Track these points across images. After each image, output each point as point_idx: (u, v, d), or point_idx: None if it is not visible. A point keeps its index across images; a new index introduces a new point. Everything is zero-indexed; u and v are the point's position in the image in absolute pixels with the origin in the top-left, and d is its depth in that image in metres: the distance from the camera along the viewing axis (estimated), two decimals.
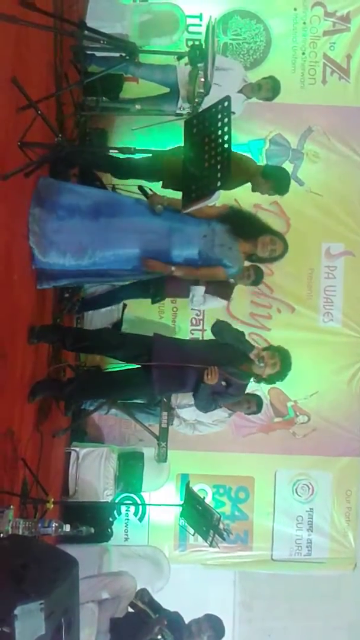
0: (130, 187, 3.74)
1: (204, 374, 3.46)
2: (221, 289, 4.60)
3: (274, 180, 4.01)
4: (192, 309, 5.29)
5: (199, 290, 4.52)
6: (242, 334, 3.75)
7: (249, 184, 4.04)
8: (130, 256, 3.32)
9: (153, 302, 4.73)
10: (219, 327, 3.72)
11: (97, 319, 4.77)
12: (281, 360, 3.59)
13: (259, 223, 3.58)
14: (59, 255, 3.25)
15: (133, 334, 3.92)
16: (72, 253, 3.25)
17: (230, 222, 3.43)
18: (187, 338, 5.29)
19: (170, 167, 3.63)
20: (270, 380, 3.64)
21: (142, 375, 3.54)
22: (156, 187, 3.74)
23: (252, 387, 3.96)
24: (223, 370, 3.49)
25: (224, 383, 3.54)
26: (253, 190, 4.05)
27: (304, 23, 5.53)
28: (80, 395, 3.94)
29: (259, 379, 3.64)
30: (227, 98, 2.80)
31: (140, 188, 3.53)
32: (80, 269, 3.32)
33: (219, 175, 2.75)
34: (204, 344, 3.85)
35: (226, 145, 2.74)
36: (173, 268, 3.35)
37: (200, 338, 5.46)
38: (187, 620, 3.85)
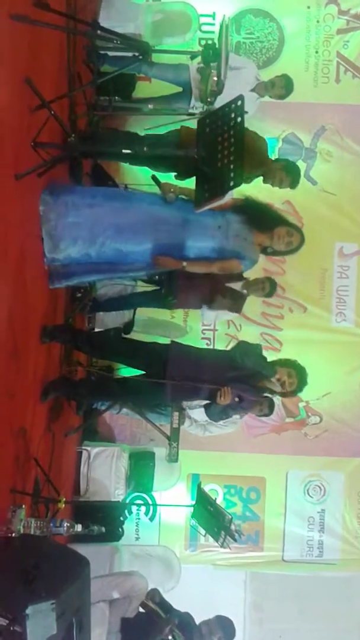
0: (143, 186, 3.73)
1: (216, 393, 3.44)
2: (234, 303, 4.55)
3: (292, 169, 3.86)
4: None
5: (209, 315, 4.47)
6: (264, 358, 3.70)
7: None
8: (143, 249, 3.28)
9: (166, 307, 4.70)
10: (243, 351, 3.68)
11: (109, 319, 4.76)
12: (298, 377, 3.58)
13: (275, 214, 3.51)
14: (70, 244, 3.19)
15: (145, 344, 3.85)
16: (83, 240, 3.19)
17: (245, 213, 3.36)
18: (201, 344, 5.28)
19: (189, 136, 3.51)
20: (285, 395, 3.67)
21: (154, 384, 3.53)
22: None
23: None
24: (238, 386, 3.48)
25: (237, 399, 3.53)
26: (265, 181, 3.87)
27: (317, 21, 5.49)
28: (91, 399, 3.96)
29: (274, 394, 3.66)
30: (240, 97, 2.79)
31: (154, 177, 3.49)
32: (90, 261, 3.27)
33: (232, 174, 2.74)
34: (221, 357, 3.76)
35: (239, 145, 2.72)
36: (184, 264, 3.31)
37: (212, 338, 5.45)
38: (197, 621, 3.84)
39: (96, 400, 4.18)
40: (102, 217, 3.23)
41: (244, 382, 3.53)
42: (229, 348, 4.27)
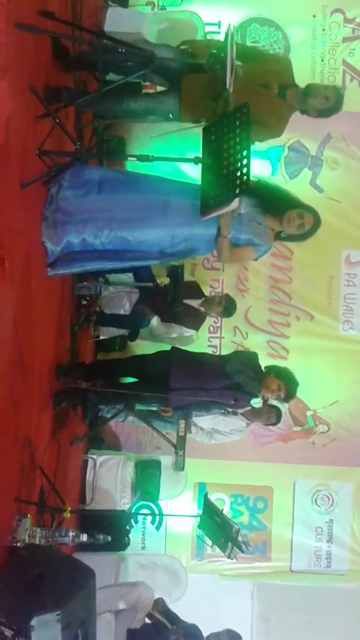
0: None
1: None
2: (192, 319, 4.60)
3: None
4: (209, 317, 5.26)
5: (155, 321, 4.52)
6: (259, 368, 3.85)
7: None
8: (152, 237, 3.20)
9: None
10: (234, 368, 3.82)
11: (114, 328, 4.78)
12: (285, 383, 3.71)
13: (288, 197, 3.37)
14: (76, 235, 3.12)
15: (146, 357, 3.98)
16: (90, 227, 3.12)
17: (257, 196, 3.25)
18: (206, 352, 5.26)
19: (190, 85, 3.42)
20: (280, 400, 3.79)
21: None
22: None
23: None
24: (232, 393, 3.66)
25: (233, 402, 3.68)
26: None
27: (323, 30, 5.50)
28: (100, 404, 4.02)
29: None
30: (246, 105, 2.78)
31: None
32: (95, 249, 3.19)
33: (237, 182, 2.73)
34: (221, 364, 3.92)
35: (245, 152, 2.72)
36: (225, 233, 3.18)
37: (219, 345, 5.43)
38: (204, 632, 3.80)
39: (105, 405, 4.19)
40: (110, 204, 3.16)
41: (237, 388, 3.67)
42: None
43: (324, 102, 3.45)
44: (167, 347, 4.25)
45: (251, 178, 2.70)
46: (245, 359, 3.90)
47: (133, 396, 3.80)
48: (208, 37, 3.62)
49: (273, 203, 3.29)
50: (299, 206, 3.33)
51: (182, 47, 3.52)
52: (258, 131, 3.29)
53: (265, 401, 3.73)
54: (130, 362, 4.19)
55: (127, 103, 3.50)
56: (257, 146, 5.09)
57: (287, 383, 3.74)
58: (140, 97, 3.54)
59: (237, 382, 3.73)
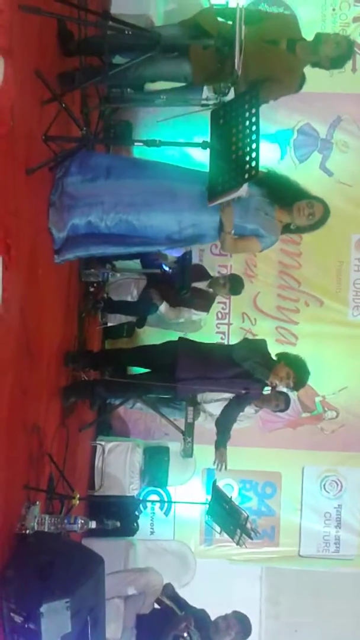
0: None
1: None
2: (201, 301, 4.57)
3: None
4: (217, 303, 5.23)
5: (164, 307, 4.49)
6: (268, 355, 3.81)
7: None
8: (158, 222, 3.16)
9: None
10: (241, 355, 3.77)
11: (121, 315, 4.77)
12: (295, 371, 3.65)
13: (297, 188, 3.30)
14: (81, 217, 3.10)
15: (154, 348, 3.98)
16: (96, 212, 3.09)
17: (266, 186, 3.20)
18: (216, 338, 5.29)
19: (198, 50, 3.36)
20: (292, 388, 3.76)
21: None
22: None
23: None
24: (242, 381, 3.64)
25: (243, 391, 3.64)
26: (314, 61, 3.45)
27: (333, 9, 5.38)
28: (108, 396, 4.07)
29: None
30: (254, 87, 2.74)
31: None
32: (101, 233, 3.16)
33: (246, 167, 2.69)
34: (229, 352, 3.88)
35: (254, 137, 2.67)
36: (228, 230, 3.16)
37: (227, 332, 5.40)
38: (213, 617, 3.82)
39: (113, 397, 4.20)
40: (117, 188, 3.13)
41: (247, 377, 3.64)
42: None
43: (335, 48, 3.38)
44: (175, 336, 4.24)
45: (261, 167, 2.66)
46: (253, 346, 3.87)
47: (141, 387, 3.78)
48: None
49: (282, 194, 3.23)
50: (308, 197, 3.27)
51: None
52: (271, 88, 3.29)
53: (273, 388, 3.68)
54: (138, 353, 4.18)
55: (139, 69, 3.41)
56: (266, 129, 5.04)
57: (297, 372, 3.69)
58: (152, 61, 3.44)
59: (245, 370, 3.69)
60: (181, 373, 3.58)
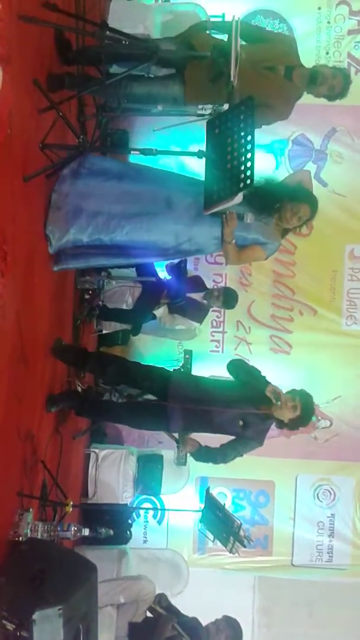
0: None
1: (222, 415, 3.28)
2: (195, 312, 4.61)
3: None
4: (212, 311, 5.25)
5: (163, 310, 4.52)
6: (258, 370, 3.48)
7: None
8: (156, 237, 3.17)
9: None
10: (234, 365, 3.52)
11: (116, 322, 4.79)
12: (302, 404, 3.28)
13: (277, 192, 3.27)
14: (81, 228, 3.10)
15: (148, 371, 3.67)
16: (95, 225, 3.11)
17: (252, 204, 3.16)
18: (210, 346, 5.31)
19: (194, 70, 3.37)
20: (292, 425, 3.36)
21: (159, 410, 3.42)
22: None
23: None
24: (241, 409, 3.31)
25: (241, 423, 3.34)
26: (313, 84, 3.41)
27: (328, 22, 5.46)
28: (95, 418, 3.91)
29: (281, 424, 3.37)
30: (250, 98, 2.76)
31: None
32: (101, 245, 3.17)
33: (242, 177, 2.71)
34: (222, 384, 3.55)
35: (249, 146, 2.70)
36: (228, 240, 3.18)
37: (221, 340, 5.42)
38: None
39: (99, 420, 4.12)
40: (115, 201, 3.14)
41: (247, 404, 3.35)
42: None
43: (329, 89, 3.41)
44: (170, 343, 4.20)
45: (256, 175, 2.67)
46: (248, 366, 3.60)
47: (134, 415, 3.62)
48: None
49: (266, 205, 3.23)
50: (288, 197, 3.25)
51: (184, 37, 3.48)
52: (265, 114, 3.27)
53: (277, 395, 3.25)
54: (128, 370, 3.72)
55: (131, 87, 3.45)
56: (260, 140, 5.08)
57: (303, 404, 3.32)
58: (144, 81, 3.49)
59: (247, 397, 3.37)
60: (174, 427, 3.41)
